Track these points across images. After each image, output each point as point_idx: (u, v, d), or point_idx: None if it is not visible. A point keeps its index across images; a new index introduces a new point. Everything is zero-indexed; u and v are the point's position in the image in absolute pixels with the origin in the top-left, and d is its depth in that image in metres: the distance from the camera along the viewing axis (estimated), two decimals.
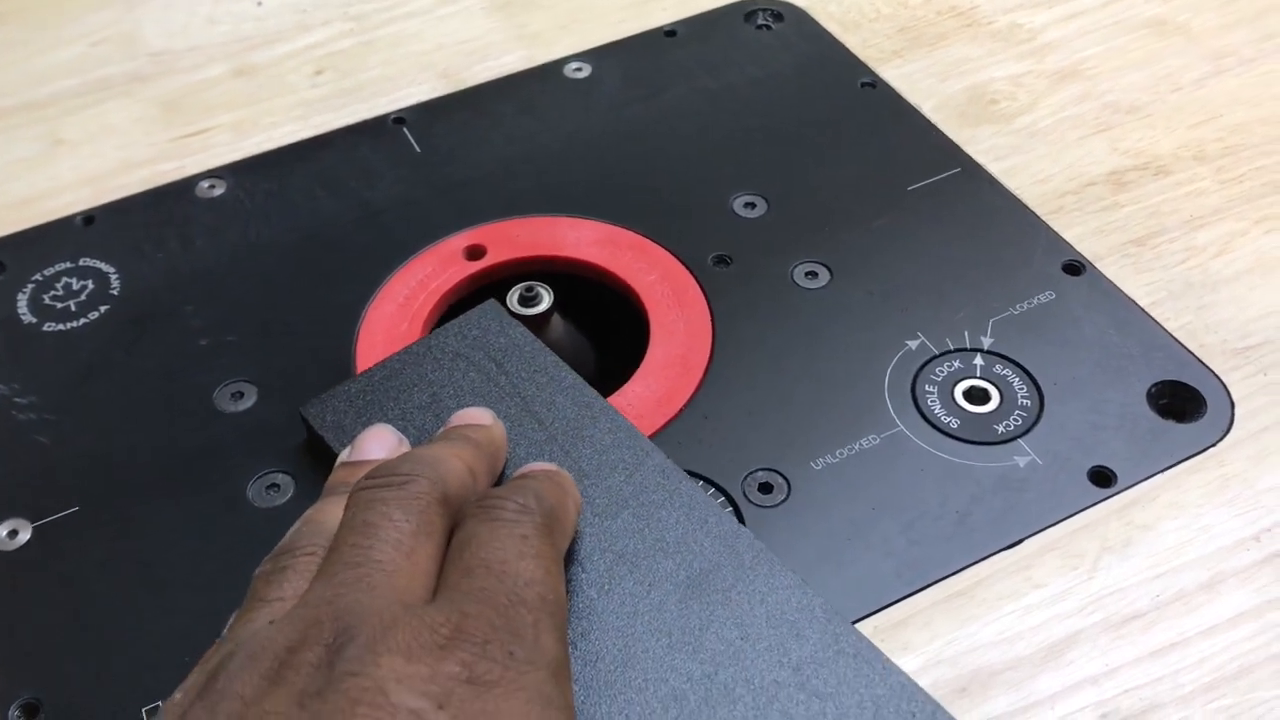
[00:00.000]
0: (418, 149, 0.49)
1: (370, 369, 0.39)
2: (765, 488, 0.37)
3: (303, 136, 0.50)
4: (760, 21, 0.56)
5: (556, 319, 0.43)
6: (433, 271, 0.44)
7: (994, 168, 0.47)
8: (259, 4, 0.58)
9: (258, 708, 0.24)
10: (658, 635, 0.30)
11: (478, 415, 0.35)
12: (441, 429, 0.34)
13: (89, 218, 0.47)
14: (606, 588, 0.31)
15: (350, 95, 0.53)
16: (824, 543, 0.36)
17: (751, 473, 0.37)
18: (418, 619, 0.25)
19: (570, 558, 0.32)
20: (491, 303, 0.40)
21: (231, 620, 0.27)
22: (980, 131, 0.49)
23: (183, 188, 0.48)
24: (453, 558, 0.28)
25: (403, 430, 0.35)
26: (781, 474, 0.37)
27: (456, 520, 0.29)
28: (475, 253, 0.45)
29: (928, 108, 0.50)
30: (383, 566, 0.27)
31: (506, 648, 0.25)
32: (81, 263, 0.45)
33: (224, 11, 0.58)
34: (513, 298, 0.42)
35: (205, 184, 0.48)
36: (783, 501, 0.37)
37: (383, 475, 0.29)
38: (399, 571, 0.27)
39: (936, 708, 0.29)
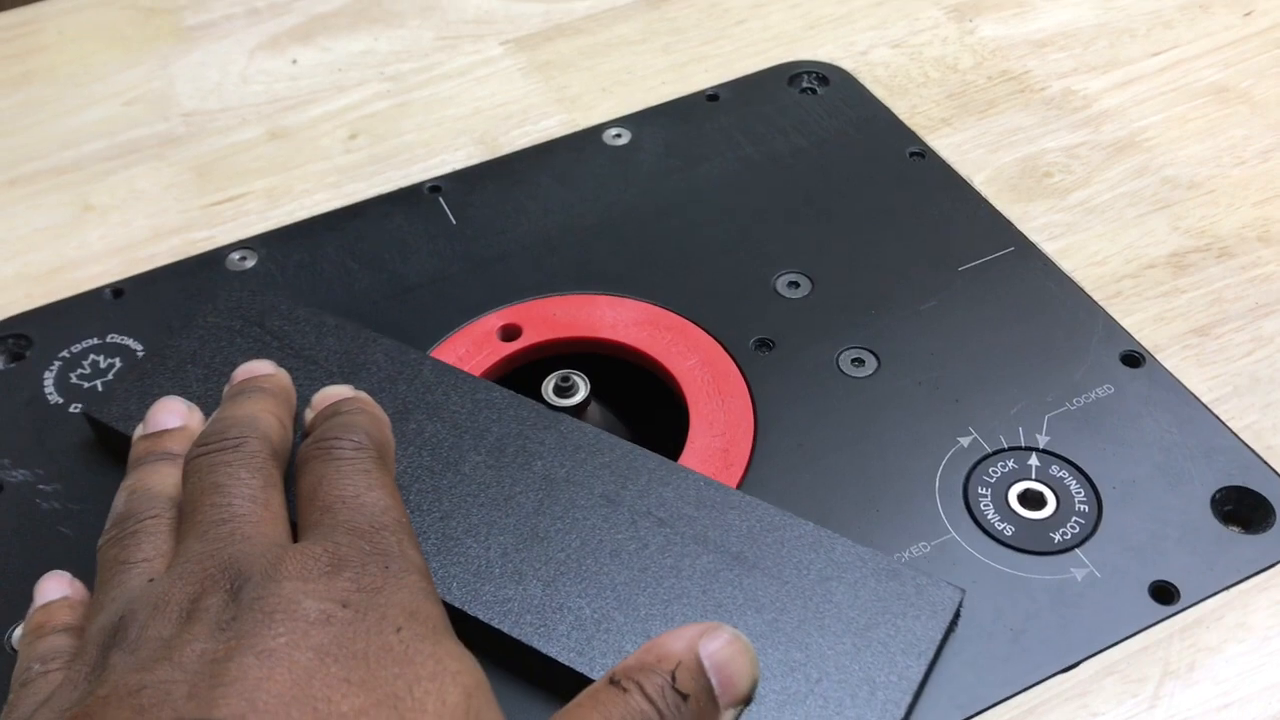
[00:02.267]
0: (453, 220, 0.48)
1: (139, 361, 0.42)
2: None
3: (336, 204, 0.49)
4: (805, 85, 0.54)
5: (594, 407, 0.42)
6: (467, 353, 0.43)
7: (1048, 247, 0.46)
8: (294, 62, 0.57)
9: (179, 641, 0.27)
10: (480, 497, 0.35)
11: (260, 366, 0.37)
12: (229, 386, 0.37)
13: (118, 290, 0.46)
14: (433, 469, 0.36)
15: (385, 161, 0.52)
16: None
17: None
18: (298, 553, 0.29)
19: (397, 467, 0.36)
20: (238, 288, 0.43)
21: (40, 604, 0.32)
22: (1034, 207, 0.47)
23: (213, 259, 0.47)
24: (308, 498, 0.31)
25: (189, 400, 0.37)
26: None
27: (296, 463, 0.33)
28: (511, 333, 0.44)
29: (979, 180, 0.49)
30: (248, 519, 0.30)
31: (382, 564, 0.29)
32: (109, 339, 0.44)
33: (258, 70, 0.57)
34: (548, 387, 0.40)
35: (236, 255, 0.47)
36: None
37: (214, 441, 0.33)
38: (262, 521, 0.31)
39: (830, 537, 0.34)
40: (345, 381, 0.37)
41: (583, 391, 0.40)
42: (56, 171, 0.52)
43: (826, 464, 0.39)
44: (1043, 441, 0.39)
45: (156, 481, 0.33)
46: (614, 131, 0.52)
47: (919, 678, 0.31)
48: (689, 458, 0.39)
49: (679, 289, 0.45)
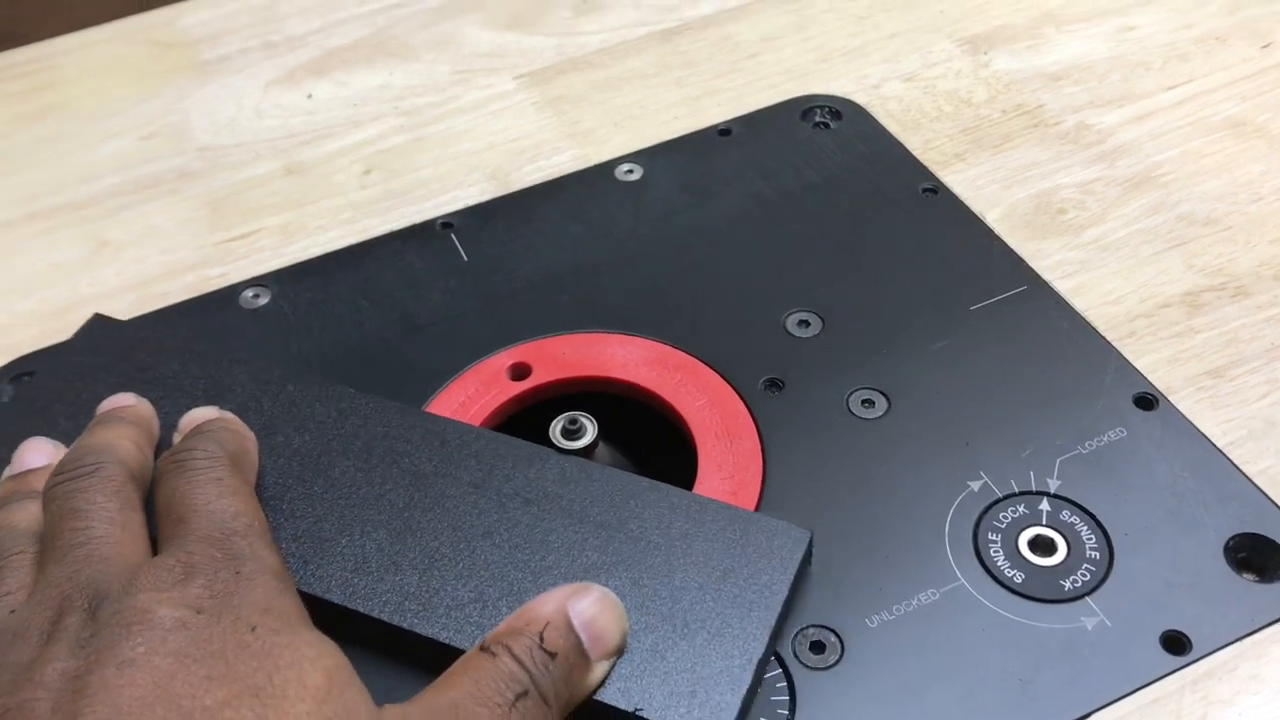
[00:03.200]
0: (465, 257, 0.48)
1: (3, 405, 0.43)
2: (817, 647, 0.35)
3: (350, 240, 0.50)
4: (818, 119, 0.54)
5: (602, 448, 0.41)
6: (476, 392, 0.43)
7: (1061, 285, 0.45)
8: (309, 96, 0.58)
9: (39, 662, 0.28)
10: (352, 498, 0.37)
11: (121, 398, 0.38)
12: (93, 421, 0.37)
13: None
14: (303, 477, 0.37)
15: (399, 197, 0.52)
16: (878, 711, 0.34)
17: (803, 629, 0.35)
18: (152, 567, 0.30)
19: (263, 476, 0.37)
20: (95, 316, 0.43)
21: None
22: (1047, 244, 0.47)
23: (226, 296, 0.47)
24: (163, 514, 0.33)
25: (57, 439, 0.38)
26: (835, 632, 0.35)
27: (152, 484, 0.34)
28: (520, 372, 0.44)
29: (992, 217, 0.48)
30: (105, 540, 0.31)
31: (233, 568, 0.30)
32: None
33: (273, 104, 0.58)
34: (555, 430, 0.40)
35: (249, 293, 0.47)
36: (836, 663, 0.35)
37: (70, 469, 0.34)
38: (120, 541, 0.32)
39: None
40: (211, 404, 0.39)
41: (590, 434, 0.40)
42: (73, 206, 0.53)
43: (835, 507, 0.39)
44: (1054, 486, 0.39)
45: (21, 519, 0.34)
46: (626, 167, 0.52)
47: (775, 615, 0.34)
48: None
49: (689, 327, 0.45)
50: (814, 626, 0.35)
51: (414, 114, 0.56)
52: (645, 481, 0.37)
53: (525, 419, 0.43)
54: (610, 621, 0.32)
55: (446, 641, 0.33)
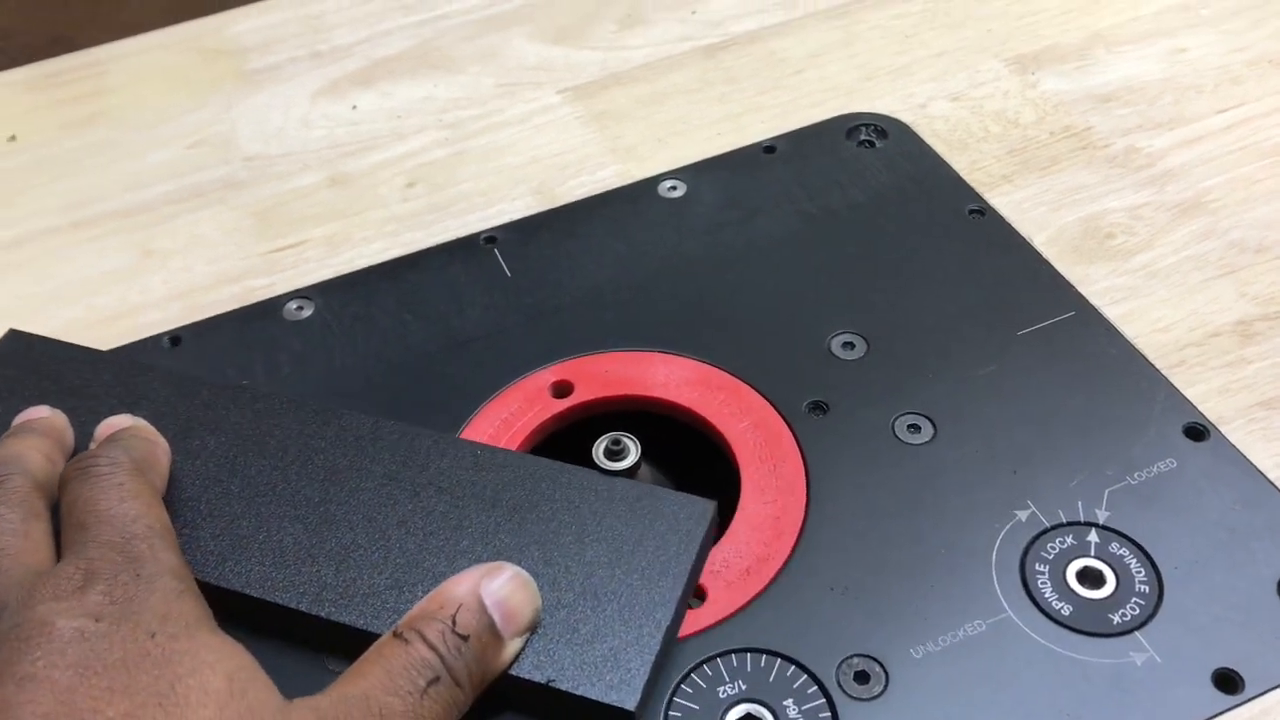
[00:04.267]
0: (508, 273, 0.48)
1: None
2: (861, 677, 0.35)
3: (394, 253, 0.50)
4: (863, 137, 0.54)
5: (644, 469, 0.41)
6: (519, 409, 0.43)
7: (1110, 312, 0.45)
8: (354, 107, 0.58)
9: None
10: (268, 496, 0.37)
11: (35, 411, 0.39)
12: (5, 434, 0.38)
13: (175, 338, 0.47)
14: (219, 478, 0.38)
15: (443, 210, 0.52)
16: None
17: (847, 658, 0.35)
18: (53, 576, 0.30)
19: (180, 479, 0.38)
20: (10, 331, 0.44)
21: None
22: (1095, 269, 0.47)
23: (271, 308, 0.48)
24: (66, 521, 0.33)
25: None
26: (879, 662, 0.35)
27: (58, 492, 0.34)
28: (562, 390, 0.44)
29: (1039, 240, 0.48)
30: (6, 552, 0.32)
31: (133, 572, 0.31)
32: None
33: (320, 114, 0.58)
34: (599, 450, 0.40)
35: (293, 305, 0.48)
36: (880, 694, 0.34)
37: None
38: (22, 551, 0.32)
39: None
40: (126, 412, 0.39)
41: (633, 455, 0.40)
42: (121, 214, 0.53)
43: (880, 534, 0.38)
44: (1102, 517, 0.38)
45: None
46: (669, 183, 0.52)
47: (682, 584, 0.35)
48: (740, 524, 0.39)
49: (732, 347, 0.45)
50: (858, 656, 0.35)
51: (457, 126, 0.57)
52: (556, 464, 0.38)
53: (566, 437, 0.43)
54: (523, 600, 0.33)
55: (364, 628, 0.34)
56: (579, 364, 0.44)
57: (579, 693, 0.33)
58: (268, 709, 0.29)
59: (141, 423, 0.38)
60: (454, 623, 0.31)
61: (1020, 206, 0.50)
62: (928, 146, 0.53)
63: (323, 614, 0.35)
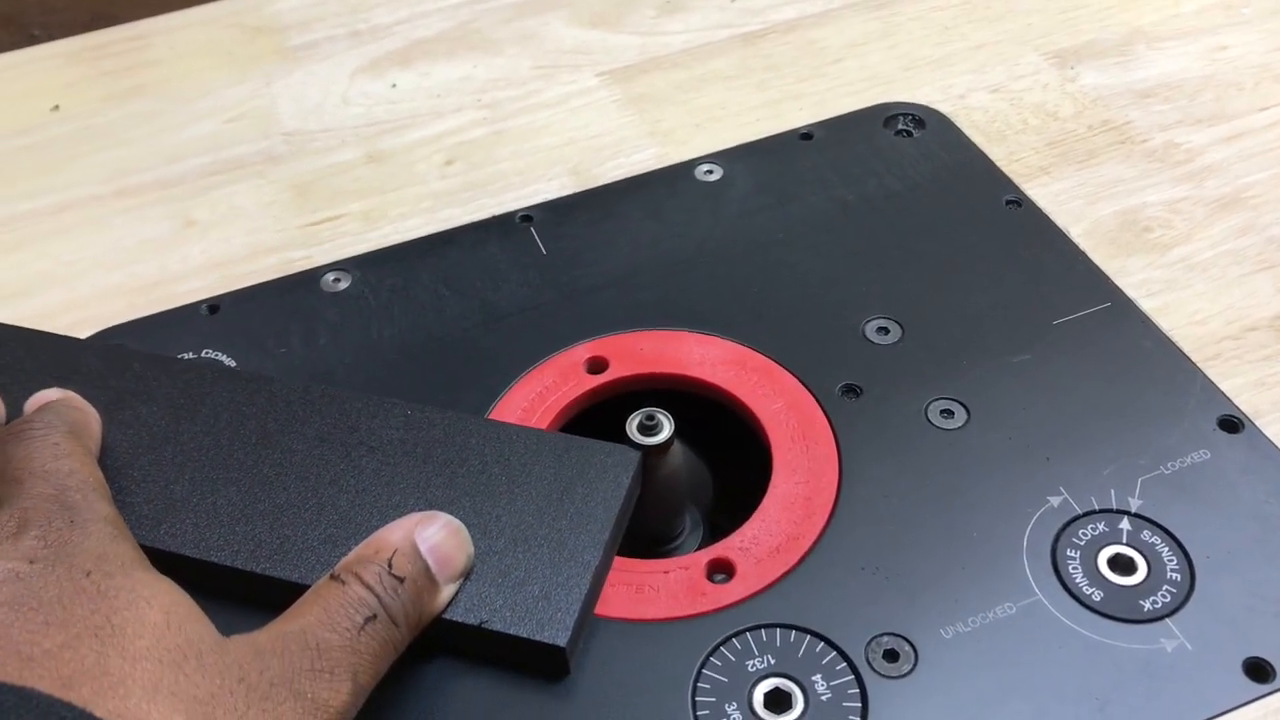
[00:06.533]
0: (544, 250, 0.49)
1: None
2: (891, 655, 0.35)
3: (430, 229, 0.50)
4: (901, 127, 0.54)
5: (677, 446, 0.41)
6: (553, 383, 0.43)
7: (1146, 304, 0.45)
8: (393, 86, 0.58)
9: None
10: (201, 460, 0.38)
11: None
12: None
13: (214, 306, 0.47)
14: (153, 446, 0.38)
15: (479, 189, 0.52)
16: None
17: (877, 637, 0.35)
18: None
19: (114, 448, 0.38)
20: None
21: None
22: (1132, 262, 0.47)
23: (309, 279, 0.48)
24: (1, 479, 0.33)
25: None
26: (909, 641, 0.35)
27: None
28: (597, 366, 0.44)
29: (1076, 232, 0.48)
30: None
31: (67, 519, 0.31)
32: (204, 354, 0.45)
33: (359, 92, 0.58)
34: (632, 425, 0.40)
35: (331, 276, 0.48)
36: (909, 672, 0.34)
37: None
38: None
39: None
40: (58, 385, 0.39)
41: (667, 430, 0.40)
42: (161, 185, 0.54)
43: (911, 517, 0.38)
44: (1135, 505, 0.38)
45: None
46: (706, 167, 0.52)
47: (609, 529, 0.36)
48: (771, 502, 0.39)
49: (766, 329, 0.45)
50: (888, 634, 0.35)
51: (496, 107, 0.57)
52: (486, 421, 0.39)
53: (600, 412, 0.44)
54: (456, 546, 0.34)
55: (300, 581, 0.34)
56: (614, 341, 0.45)
57: (512, 632, 0.34)
58: (205, 642, 0.29)
59: (71, 394, 0.38)
60: (390, 565, 0.32)
61: (1057, 198, 0.50)
62: (966, 137, 0.53)
63: (258, 570, 0.35)
